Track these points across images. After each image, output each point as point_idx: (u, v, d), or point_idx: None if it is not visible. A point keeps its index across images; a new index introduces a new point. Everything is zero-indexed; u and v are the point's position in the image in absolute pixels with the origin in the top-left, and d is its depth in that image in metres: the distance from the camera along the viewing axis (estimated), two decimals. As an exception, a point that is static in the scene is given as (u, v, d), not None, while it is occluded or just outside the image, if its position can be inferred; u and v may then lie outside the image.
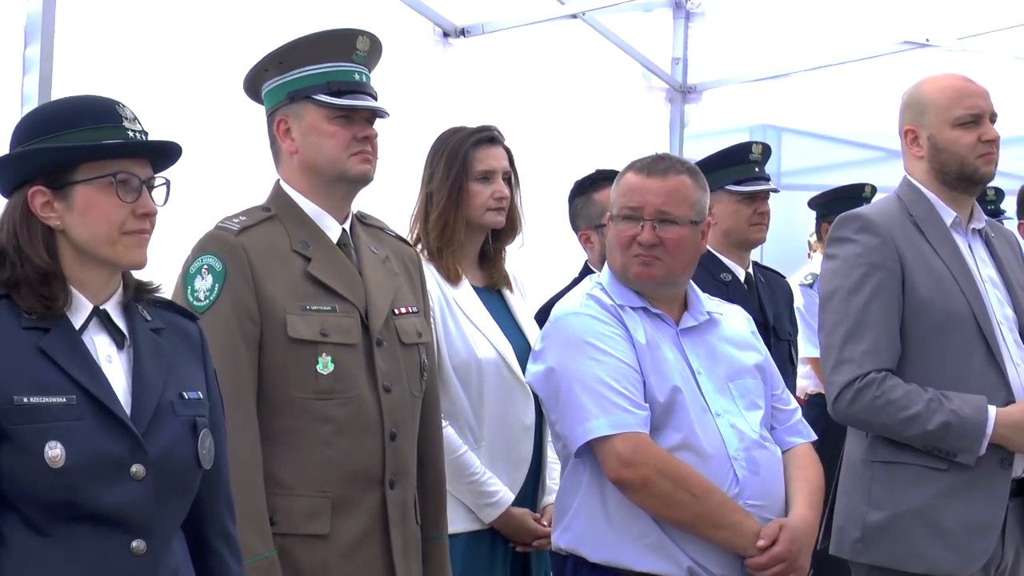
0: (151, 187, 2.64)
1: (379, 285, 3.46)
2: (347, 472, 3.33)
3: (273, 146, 3.51)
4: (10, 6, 4.35)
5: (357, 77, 3.43)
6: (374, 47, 3.50)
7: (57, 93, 4.05)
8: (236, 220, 3.39)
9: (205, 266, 3.32)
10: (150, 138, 2.66)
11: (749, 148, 5.28)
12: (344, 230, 3.48)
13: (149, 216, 2.61)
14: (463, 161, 4.18)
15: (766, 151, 5.26)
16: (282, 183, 3.49)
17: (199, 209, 3.80)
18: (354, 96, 3.41)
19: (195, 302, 3.29)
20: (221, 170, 4.57)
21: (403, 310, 3.51)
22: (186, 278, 3.33)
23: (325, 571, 3.31)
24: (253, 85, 3.53)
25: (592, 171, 4.94)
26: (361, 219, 3.58)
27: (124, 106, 2.64)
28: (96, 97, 2.66)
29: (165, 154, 2.67)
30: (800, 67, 7.60)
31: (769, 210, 5.10)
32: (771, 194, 5.12)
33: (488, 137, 4.24)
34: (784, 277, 5.59)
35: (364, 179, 3.45)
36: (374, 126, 3.45)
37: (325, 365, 3.32)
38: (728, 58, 7.60)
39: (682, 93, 7.60)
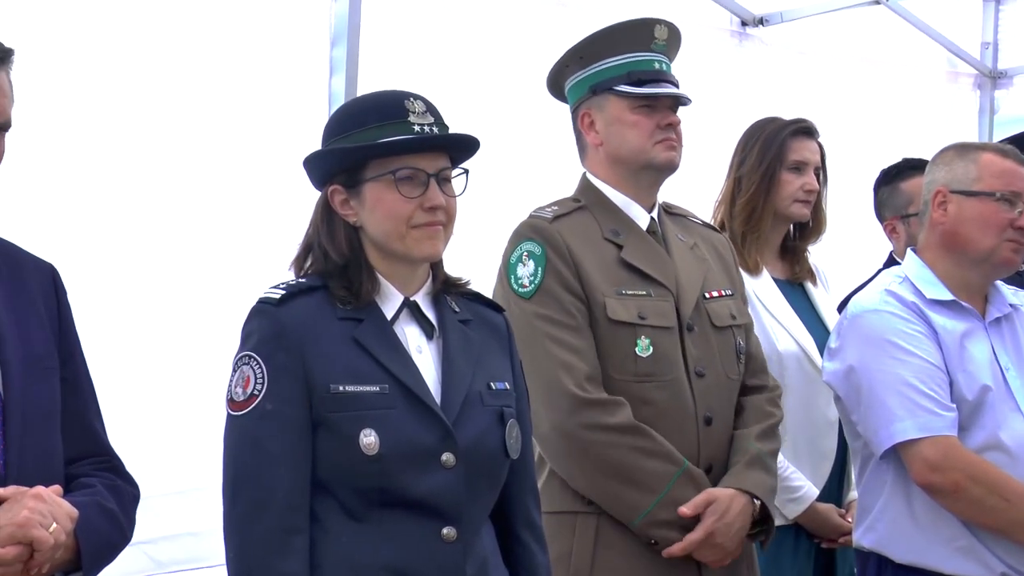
0: (443, 179, 2.66)
1: (687, 271, 3.48)
2: None
3: (579, 140, 3.57)
4: (317, 9, 4.49)
5: (657, 66, 3.45)
6: (673, 35, 3.50)
7: (362, 93, 4.16)
8: (549, 209, 3.46)
9: (525, 252, 3.39)
10: (448, 131, 2.67)
11: None
12: (652, 218, 3.51)
13: (439, 209, 2.63)
14: (779, 149, 4.16)
15: None
16: (589, 175, 3.54)
17: (505, 203, 3.87)
18: (655, 85, 3.43)
19: (520, 289, 3.36)
20: (525, 165, 4.63)
21: (714, 294, 3.51)
22: (508, 268, 3.41)
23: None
24: (556, 83, 3.58)
25: (899, 160, 4.83)
26: (667, 209, 3.59)
27: (415, 100, 2.66)
28: (387, 93, 2.71)
29: (458, 146, 2.69)
30: (1120, 48, 7.25)
31: None
32: None
33: (805, 129, 4.22)
34: None
35: (670, 167, 3.46)
36: (677, 114, 3.45)
37: (644, 348, 3.35)
38: (1042, 42, 7.31)
39: (992, 79, 7.34)
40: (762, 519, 3.46)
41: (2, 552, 2.30)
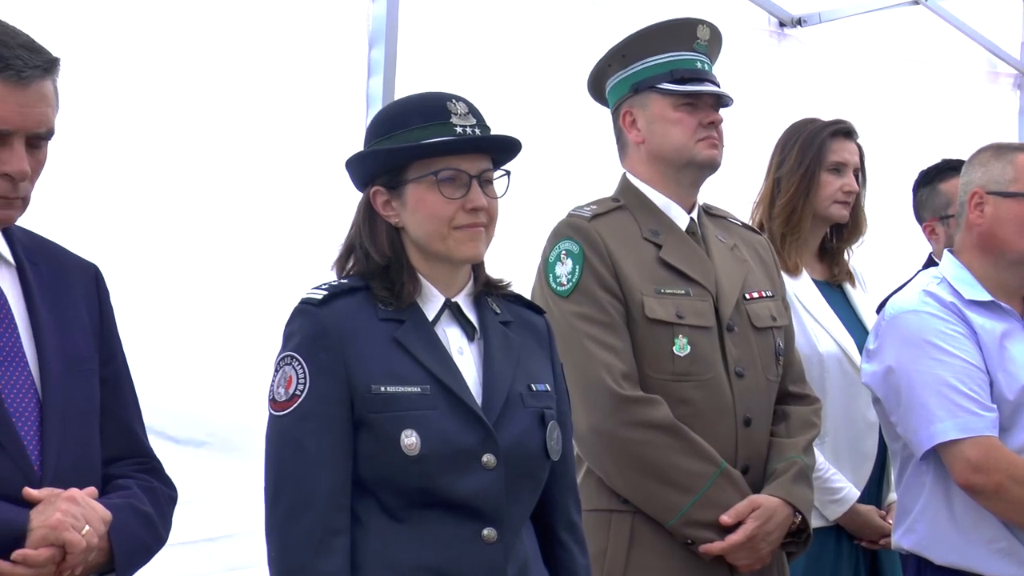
0: (485, 181, 2.66)
1: (728, 272, 3.48)
2: None
3: (619, 140, 3.57)
4: (355, 11, 4.50)
5: (699, 65, 3.46)
6: (714, 37, 3.52)
7: (400, 95, 4.17)
8: (588, 208, 3.46)
9: (563, 251, 3.39)
10: (490, 132, 2.68)
11: None
12: (692, 219, 3.51)
13: (480, 210, 2.63)
14: (818, 150, 4.15)
15: None
16: (628, 175, 3.54)
17: (544, 204, 3.87)
18: (697, 83, 3.44)
19: (558, 288, 3.37)
20: (564, 165, 4.63)
21: (754, 295, 3.51)
22: (547, 267, 3.41)
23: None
24: (597, 83, 3.59)
25: (938, 161, 4.80)
26: (707, 210, 3.59)
27: (457, 101, 2.67)
28: (429, 95, 2.71)
29: (500, 147, 2.69)
30: None
31: None
32: None
33: (844, 130, 4.22)
34: None
35: (712, 165, 3.47)
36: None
37: (682, 347, 3.35)
38: (1082, 41, 7.26)
39: (1032, 79, 7.32)
40: (796, 532, 3.46)
41: (34, 554, 2.30)
